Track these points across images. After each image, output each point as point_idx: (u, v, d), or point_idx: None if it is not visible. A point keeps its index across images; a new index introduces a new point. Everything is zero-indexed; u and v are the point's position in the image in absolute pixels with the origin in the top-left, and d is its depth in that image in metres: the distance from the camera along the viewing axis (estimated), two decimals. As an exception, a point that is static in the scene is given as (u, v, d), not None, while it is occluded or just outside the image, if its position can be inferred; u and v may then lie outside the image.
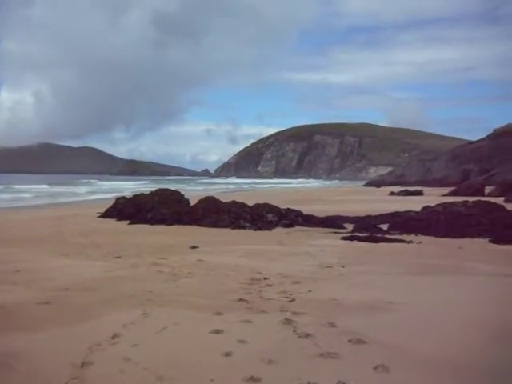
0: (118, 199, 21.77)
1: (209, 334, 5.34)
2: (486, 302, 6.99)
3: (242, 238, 14.69)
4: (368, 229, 15.84)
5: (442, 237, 14.33)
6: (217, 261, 10.23)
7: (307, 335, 5.25)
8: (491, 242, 13.32)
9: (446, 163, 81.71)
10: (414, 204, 23.50)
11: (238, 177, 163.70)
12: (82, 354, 4.74)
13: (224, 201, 19.22)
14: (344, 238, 14.09)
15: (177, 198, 21.19)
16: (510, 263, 10.29)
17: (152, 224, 17.81)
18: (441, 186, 56.44)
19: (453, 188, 45.29)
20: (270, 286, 7.79)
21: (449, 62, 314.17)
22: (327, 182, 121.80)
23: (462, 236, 14.21)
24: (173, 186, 28.97)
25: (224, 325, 5.60)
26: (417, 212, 18.21)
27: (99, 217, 20.79)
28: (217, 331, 5.39)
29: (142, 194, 21.93)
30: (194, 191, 49.55)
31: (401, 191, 45.69)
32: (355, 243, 13.37)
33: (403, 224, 16.18)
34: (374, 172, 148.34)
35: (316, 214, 19.33)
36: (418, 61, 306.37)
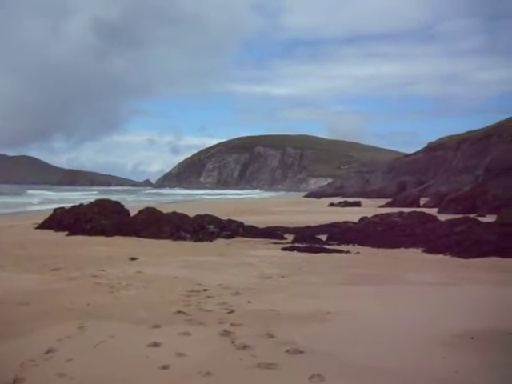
0: (56, 210, 21.23)
1: (147, 347, 5.28)
2: (418, 309, 7.24)
3: (182, 249, 14.61)
4: (308, 239, 16.07)
5: (379, 247, 14.72)
6: (156, 272, 10.14)
7: (245, 346, 5.28)
8: (424, 251, 13.79)
9: (384, 175, 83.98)
10: (353, 215, 23.99)
11: (179, 187, 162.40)
12: (13, 370, 4.60)
13: (165, 212, 19.07)
14: (284, 249, 14.24)
15: (117, 208, 20.87)
16: (441, 272, 10.66)
17: (91, 235, 17.46)
18: (378, 198, 57.87)
19: (390, 199, 46.55)
20: (210, 297, 7.78)
21: (387, 77, 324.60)
22: (269, 193, 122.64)
23: (397, 246, 14.64)
24: (117, 197, 28.49)
25: (162, 337, 5.56)
26: (355, 223, 18.62)
27: (37, 228, 20.19)
28: (155, 344, 5.35)
29: (81, 204, 21.46)
30: (134, 202, 48.81)
31: (340, 202, 46.58)
32: (295, 254, 13.54)
33: (342, 234, 16.52)
34: (314, 183, 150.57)
35: (257, 225, 19.44)
36: (358, 75, 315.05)
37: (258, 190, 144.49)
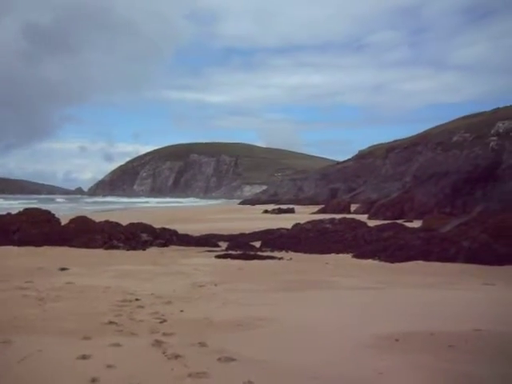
0: (-21, 220, 20.33)
1: (75, 359, 5.18)
2: (348, 314, 7.45)
3: (114, 258, 14.38)
4: (241, 246, 16.19)
5: (311, 253, 15.02)
6: (87, 283, 9.94)
7: (177, 356, 5.27)
8: (354, 256, 14.19)
9: (316, 182, 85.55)
10: (286, 221, 24.33)
11: (113, 195, 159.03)
12: None
13: (97, 220, 18.71)
14: (218, 257, 14.28)
15: (47, 217, 20.24)
16: (370, 276, 11.01)
17: (19, 245, 16.87)
18: (311, 204, 58.86)
19: (322, 206, 47.45)
20: (142, 307, 7.71)
21: (319, 87, 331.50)
22: (203, 201, 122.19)
23: (329, 252, 14.99)
24: (47, 205, 27.57)
25: (92, 349, 5.47)
26: (288, 229, 18.91)
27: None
28: (84, 356, 5.25)
29: (8, 213, 20.68)
30: (65, 210, 47.50)
31: (274, 209, 47.06)
32: (229, 261, 13.60)
33: (275, 241, 16.75)
34: (249, 191, 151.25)
35: (191, 233, 19.39)
36: (290, 84, 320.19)
37: (192, 198, 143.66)
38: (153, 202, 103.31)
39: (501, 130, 47.73)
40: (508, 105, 63.12)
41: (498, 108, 63.57)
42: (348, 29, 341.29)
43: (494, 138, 45.91)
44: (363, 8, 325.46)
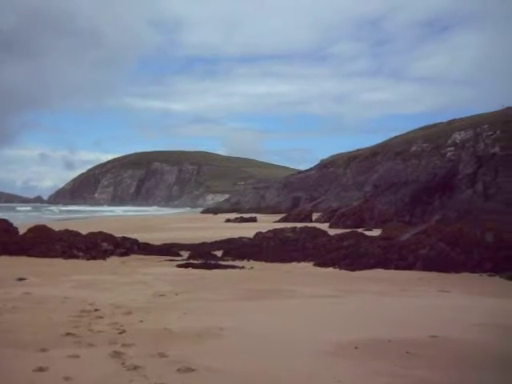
0: None
1: (32, 372, 5.08)
2: (309, 322, 7.51)
3: (74, 268, 14.14)
4: (203, 256, 16.15)
5: (273, 262, 15.09)
6: (45, 293, 9.75)
7: (136, 367, 5.22)
8: (315, 265, 14.32)
9: (279, 191, 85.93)
10: (248, 230, 24.37)
11: (73, 204, 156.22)
12: None
13: (57, 229, 18.36)
14: (179, 266, 14.21)
15: (4, 226, 19.76)
16: (330, 285, 11.13)
17: (-26, 256, 16.41)
18: (273, 213, 59.03)
19: (284, 214, 47.69)
20: (101, 317, 7.61)
21: (282, 96, 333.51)
22: (165, 210, 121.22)
23: (290, 260, 15.09)
24: (4, 214, 26.93)
25: (49, 361, 5.38)
26: (250, 238, 18.95)
27: None
28: (41, 369, 5.15)
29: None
30: (24, 219, 46.46)
31: (236, 218, 47.06)
32: (190, 270, 13.55)
33: (237, 250, 16.76)
34: (211, 199, 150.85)
35: (153, 242, 19.24)
36: (253, 93, 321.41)
37: (154, 207, 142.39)
38: (116, 210, 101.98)
39: (457, 141, 48.88)
40: (464, 116, 64.76)
41: (455, 119, 65.14)
42: (312, 39, 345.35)
43: (451, 149, 47.02)
44: (326, 19, 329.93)
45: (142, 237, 20.34)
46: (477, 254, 12.65)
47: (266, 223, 37.58)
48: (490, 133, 46.19)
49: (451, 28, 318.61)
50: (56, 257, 16.19)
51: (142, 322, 7.32)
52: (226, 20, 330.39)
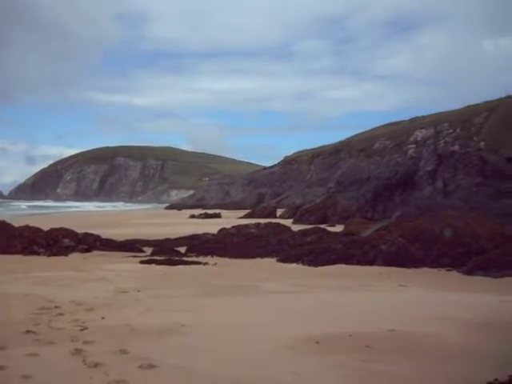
0: None
1: (-11, 371, 5.01)
2: (271, 318, 7.58)
3: (34, 264, 13.91)
4: (166, 252, 16.08)
5: (236, 258, 15.12)
6: (4, 290, 9.58)
7: (96, 364, 5.20)
8: (278, 261, 14.43)
9: (243, 187, 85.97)
10: (213, 226, 24.33)
11: (35, 199, 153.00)
12: None
13: (17, 225, 18.02)
14: (142, 262, 14.13)
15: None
16: (293, 280, 11.24)
17: None
18: (238, 209, 58.99)
19: (249, 211, 47.75)
20: (62, 314, 7.53)
21: (247, 92, 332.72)
22: (129, 205, 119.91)
23: (253, 256, 15.15)
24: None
25: (7, 360, 5.29)
26: (214, 234, 18.95)
27: None
28: (-1, 368, 5.09)
29: None
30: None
31: (201, 214, 46.88)
32: (153, 267, 13.48)
33: (200, 246, 16.74)
34: (175, 195, 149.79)
35: (116, 238, 19.04)
36: (219, 89, 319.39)
37: (118, 202, 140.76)
38: (80, 206, 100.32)
39: (418, 139, 49.91)
40: (425, 114, 65.97)
41: (417, 117, 66.30)
42: (276, 36, 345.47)
43: (413, 146, 48.03)
44: (291, 16, 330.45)
45: (105, 233, 20.11)
46: (435, 250, 12.96)
47: (231, 219, 37.58)
48: (450, 131, 47.28)
49: (413, 28, 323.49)
50: (16, 253, 15.91)
51: (103, 318, 7.27)
52: (192, 15, 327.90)
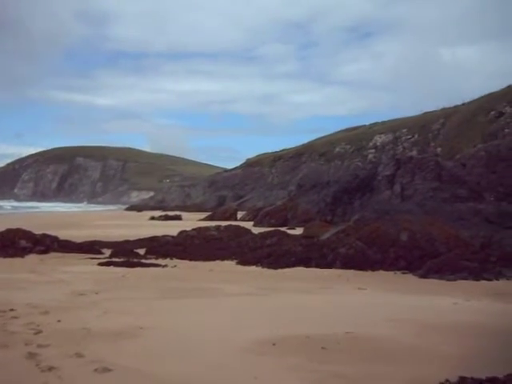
0: None
1: None
2: (229, 320, 7.61)
3: (-12, 267, 13.57)
4: (125, 254, 15.94)
5: (196, 260, 15.09)
6: (-44, 294, 9.33)
7: (51, 368, 5.12)
8: (238, 263, 14.46)
9: (205, 189, 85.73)
10: (173, 228, 24.17)
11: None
12: None
13: (-31, 226, 17.56)
14: (101, 264, 13.95)
15: None
16: (252, 283, 11.28)
17: None
18: (199, 211, 58.79)
19: (210, 213, 47.65)
20: (16, 317, 7.38)
21: (210, 94, 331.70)
22: (89, 206, 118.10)
23: (213, 259, 15.15)
24: None
25: (-42, 364, 5.19)
26: (173, 236, 18.85)
27: None
28: (-51, 372, 4.97)
29: None
30: None
31: (161, 216, 46.51)
32: (112, 269, 13.33)
33: (160, 248, 16.65)
34: (136, 196, 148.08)
35: (74, 239, 18.72)
36: (181, 90, 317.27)
37: (77, 203, 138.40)
38: (39, 206, 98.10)
39: (378, 144, 50.79)
40: (385, 120, 67.12)
41: (376, 123, 67.38)
42: (240, 39, 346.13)
43: (372, 151, 48.85)
44: (255, 20, 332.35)
45: (63, 234, 19.76)
46: (392, 253, 13.20)
47: (191, 221, 37.42)
48: (409, 136, 48.26)
49: (374, 35, 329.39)
50: (-31, 255, 15.48)
51: (59, 321, 7.17)
52: (155, 16, 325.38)
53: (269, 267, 13.51)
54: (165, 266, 13.94)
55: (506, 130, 24.45)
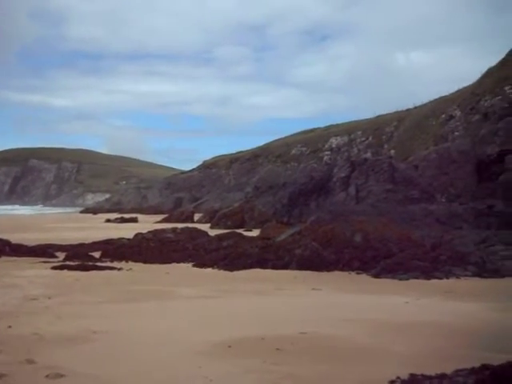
0: None
1: None
2: (185, 323, 7.60)
3: None
4: (80, 257, 15.69)
5: (152, 263, 14.98)
6: None
7: (1, 375, 5.01)
8: (194, 266, 14.44)
9: (161, 191, 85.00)
10: (129, 231, 23.90)
11: None
12: None
13: None
14: (54, 268, 13.69)
15: None
16: (208, 285, 11.27)
17: None
18: (156, 213, 58.17)
19: (166, 215, 47.29)
20: (-35, 324, 7.19)
21: (167, 96, 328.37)
22: (43, 209, 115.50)
23: (169, 261, 15.07)
24: None
25: None
26: (129, 239, 18.65)
27: None
28: None
29: None
30: None
31: (117, 218, 45.91)
32: (66, 272, 13.09)
33: (115, 251, 16.46)
34: (91, 199, 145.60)
35: (27, 243, 18.29)
36: (138, 91, 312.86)
37: (31, 206, 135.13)
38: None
39: (333, 146, 51.49)
40: (340, 122, 68.02)
41: (332, 125, 68.20)
42: (197, 41, 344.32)
43: (328, 153, 49.50)
44: (212, 22, 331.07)
45: (16, 237, 19.28)
46: (347, 254, 13.42)
47: (148, 223, 37.09)
48: (363, 139, 49.11)
49: (330, 38, 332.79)
50: None
51: (10, 327, 7.02)
52: (113, 16, 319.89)
53: (225, 269, 13.54)
54: (120, 269, 13.79)
55: (456, 133, 25.22)
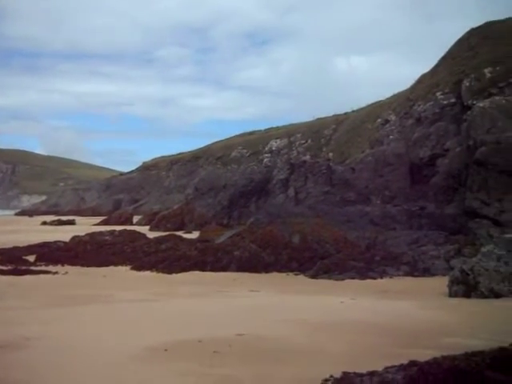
0: None
1: None
2: (121, 328, 7.52)
3: None
4: (14, 261, 15.27)
5: (89, 266, 14.74)
6: None
7: None
8: (132, 268, 14.30)
9: (100, 193, 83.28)
10: (66, 234, 23.34)
11: None
12: None
13: None
14: (-15, 273, 13.26)
15: None
16: (146, 288, 11.20)
17: None
18: (94, 216, 57.09)
19: (105, 217, 46.43)
20: None
21: (106, 96, 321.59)
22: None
23: (107, 264, 14.87)
24: None
25: None
26: (65, 242, 18.26)
27: None
28: None
29: None
30: None
31: (53, 221, 44.77)
32: (-2, 278, 12.71)
33: (50, 255, 16.10)
34: (27, 201, 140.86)
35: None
36: (77, 91, 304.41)
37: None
38: None
39: (273, 148, 51.81)
40: (280, 125, 68.59)
41: (272, 127, 68.68)
42: (138, 41, 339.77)
43: (268, 155, 49.79)
44: (154, 22, 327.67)
45: None
46: (285, 255, 13.63)
47: (86, 226, 36.29)
48: (303, 141, 49.73)
49: (270, 42, 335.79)
50: None
51: None
52: (52, 14, 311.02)
53: (164, 272, 13.48)
54: (55, 273, 13.51)
55: (391, 137, 25.96)
